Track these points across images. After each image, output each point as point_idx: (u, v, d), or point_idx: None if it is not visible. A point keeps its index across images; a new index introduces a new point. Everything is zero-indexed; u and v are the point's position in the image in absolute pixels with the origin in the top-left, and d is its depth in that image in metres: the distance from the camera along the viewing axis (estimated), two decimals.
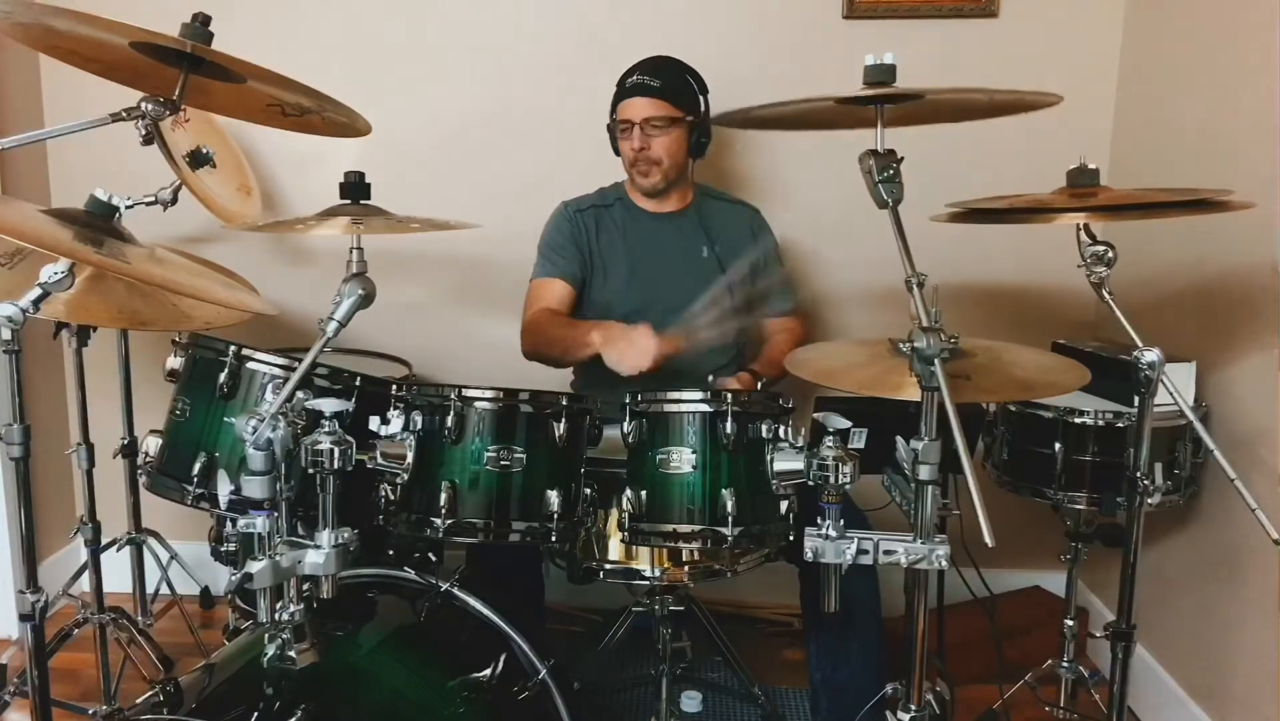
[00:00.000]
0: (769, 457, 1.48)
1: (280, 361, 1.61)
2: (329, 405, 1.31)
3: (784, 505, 1.49)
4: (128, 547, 2.37)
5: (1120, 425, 1.89)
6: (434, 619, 1.57)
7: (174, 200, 1.78)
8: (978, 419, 2.04)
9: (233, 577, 1.22)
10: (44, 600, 1.52)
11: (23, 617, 1.51)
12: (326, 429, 1.31)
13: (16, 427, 1.50)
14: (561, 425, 1.51)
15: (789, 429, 1.49)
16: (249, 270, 2.09)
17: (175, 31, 1.42)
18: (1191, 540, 2.11)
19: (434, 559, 1.81)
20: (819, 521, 1.29)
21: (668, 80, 2.15)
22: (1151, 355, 1.45)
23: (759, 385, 1.96)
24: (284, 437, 1.24)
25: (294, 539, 1.28)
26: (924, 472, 1.22)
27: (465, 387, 1.49)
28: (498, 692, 1.45)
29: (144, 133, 1.53)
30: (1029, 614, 2.47)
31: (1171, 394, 1.46)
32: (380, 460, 1.48)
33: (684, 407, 1.51)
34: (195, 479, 1.59)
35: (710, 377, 1.94)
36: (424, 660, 1.54)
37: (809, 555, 1.28)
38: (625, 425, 1.54)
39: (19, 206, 1.66)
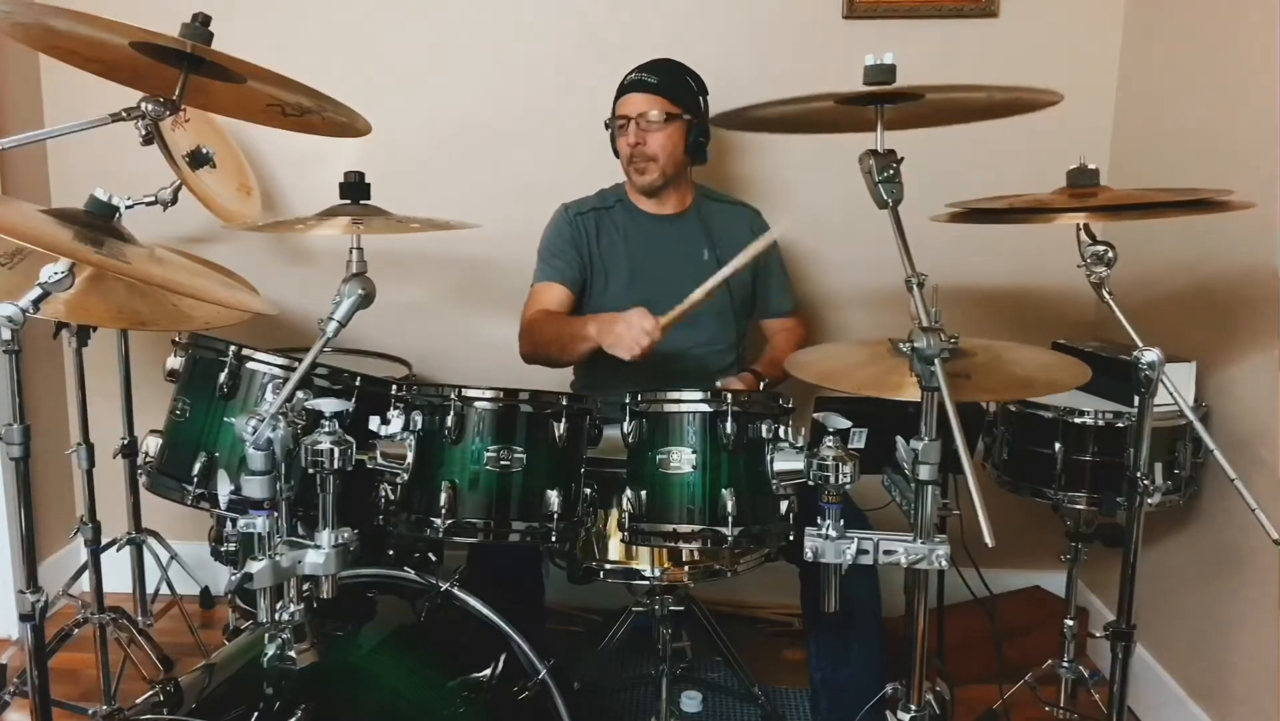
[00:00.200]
0: (769, 457, 1.48)
1: (280, 361, 1.61)
2: (329, 405, 1.31)
3: (784, 505, 1.49)
4: (128, 547, 2.37)
5: (1120, 425, 1.89)
6: (434, 619, 1.57)
7: (174, 200, 1.78)
8: (978, 419, 2.04)
9: (233, 577, 1.22)
10: (44, 600, 1.52)
11: (23, 617, 1.51)
12: (326, 429, 1.31)
13: (16, 427, 1.50)
14: (561, 425, 1.51)
15: (789, 429, 1.49)
16: (249, 270, 2.09)
17: (175, 31, 1.41)
18: (1191, 540, 2.11)
19: (434, 559, 1.81)
20: (819, 521, 1.29)
21: (665, 78, 2.14)
22: (1151, 355, 1.45)
23: (761, 385, 1.97)
24: (284, 437, 1.24)
25: (294, 539, 1.28)
26: (924, 472, 1.22)
27: (465, 387, 1.49)
28: (498, 692, 1.45)
29: (144, 133, 1.53)
30: (1029, 614, 2.46)
31: (1171, 394, 1.46)
32: (380, 460, 1.48)
33: (684, 407, 1.51)
34: (195, 479, 1.59)
35: (718, 383, 1.93)
36: (424, 660, 1.54)
37: (809, 555, 1.28)
38: (625, 425, 1.53)
39: (19, 206, 1.66)
